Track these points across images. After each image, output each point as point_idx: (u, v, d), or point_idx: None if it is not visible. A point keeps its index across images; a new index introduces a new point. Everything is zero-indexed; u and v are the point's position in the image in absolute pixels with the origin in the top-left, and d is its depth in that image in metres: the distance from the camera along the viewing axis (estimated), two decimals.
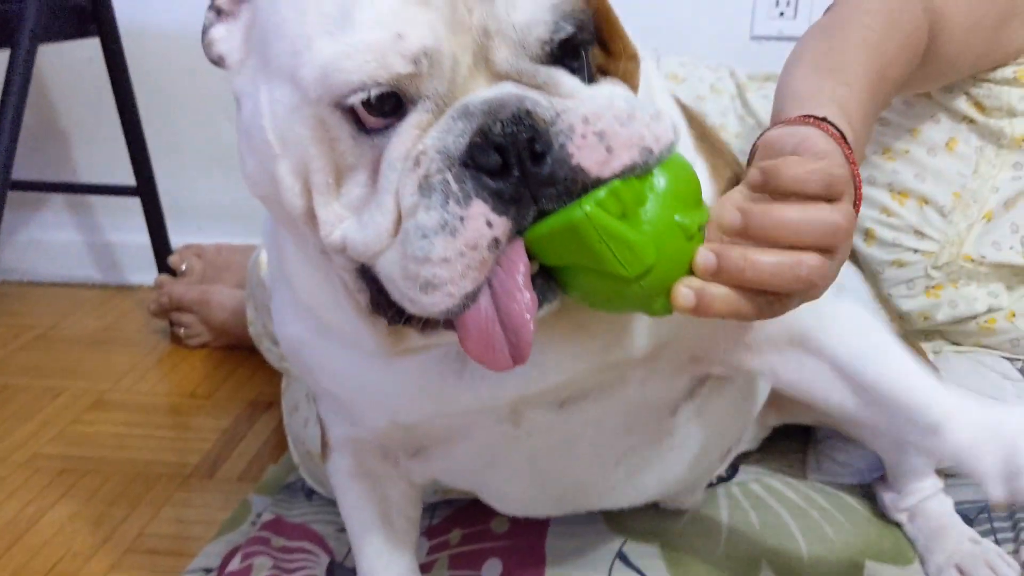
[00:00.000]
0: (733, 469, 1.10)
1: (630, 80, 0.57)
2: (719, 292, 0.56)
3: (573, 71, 0.54)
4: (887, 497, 1.03)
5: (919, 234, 1.14)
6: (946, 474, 1.04)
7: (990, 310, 1.15)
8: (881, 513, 1.04)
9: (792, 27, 1.71)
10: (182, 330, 1.66)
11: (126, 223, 1.93)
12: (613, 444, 0.79)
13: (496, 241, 0.51)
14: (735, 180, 0.71)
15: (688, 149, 0.69)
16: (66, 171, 1.99)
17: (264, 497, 1.14)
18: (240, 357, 1.59)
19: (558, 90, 0.53)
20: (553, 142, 0.51)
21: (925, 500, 1.00)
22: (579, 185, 0.51)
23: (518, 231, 0.52)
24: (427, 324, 0.56)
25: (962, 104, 1.12)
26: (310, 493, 1.13)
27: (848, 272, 0.99)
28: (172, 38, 1.83)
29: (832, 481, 1.10)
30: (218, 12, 0.60)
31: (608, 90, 0.54)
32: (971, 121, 1.12)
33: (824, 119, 0.69)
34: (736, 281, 0.56)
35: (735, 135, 1.28)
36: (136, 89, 1.74)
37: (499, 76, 0.53)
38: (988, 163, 1.12)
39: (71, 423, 1.39)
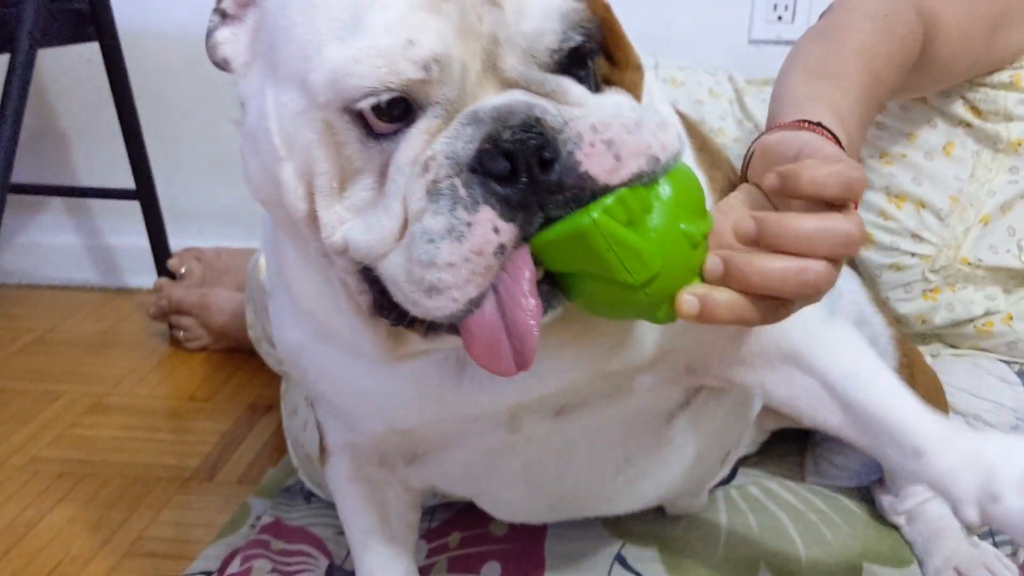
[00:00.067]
0: (732, 472, 1.10)
1: (634, 90, 0.57)
2: (723, 298, 0.56)
3: (580, 80, 0.54)
4: (885, 500, 1.03)
5: (916, 238, 1.14)
6: None
7: (987, 313, 1.15)
8: (879, 516, 1.04)
9: (790, 31, 1.71)
10: (181, 333, 1.66)
11: (125, 226, 1.93)
12: (609, 452, 0.79)
13: (502, 247, 0.51)
14: (731, 189, 0.71)
15: (689, 160, 0.69)
16: (65, 174, 1.99)
17: (263, 500, 1.14)
18: (239, 360, 1.59)
19: (566, 98, 0.53)
20: (561, 150, 0.51)
21: (923, 503, 1.00)
22: (587, 193, 0.52)
23: (524, 237, 0.52)
24: (430, 328, 0.56)
25: (959, 108, 1.12)
26: (309, 496, 1.13)
27: (845, 275, 0.99)
28: (171, 41, 1.84)
29: (830, 484, 1.10)
30: (223, 15, 0.61)
31: (615, 99, 0.55)
32: (967, 125, 1.13)
33: (819, 124, 0.70)
34: (743, 287, 0.56)
35: (733, 139, 1.29)
36: (135, 92, 1.74)
37: (507, 83, 0.53)
38: (985, 167, 1.12)
39: (70, 426, 1.39)
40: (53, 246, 2.02)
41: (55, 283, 2.02)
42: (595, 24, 0.54)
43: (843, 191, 0.57)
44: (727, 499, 1.08)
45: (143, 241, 1.83)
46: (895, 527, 1.02)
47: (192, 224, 1.92)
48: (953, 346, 1.20)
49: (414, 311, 0.54)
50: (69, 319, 1.84)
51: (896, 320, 1.17)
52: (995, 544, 0.98)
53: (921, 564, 0.97)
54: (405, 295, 0.53)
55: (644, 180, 0.53)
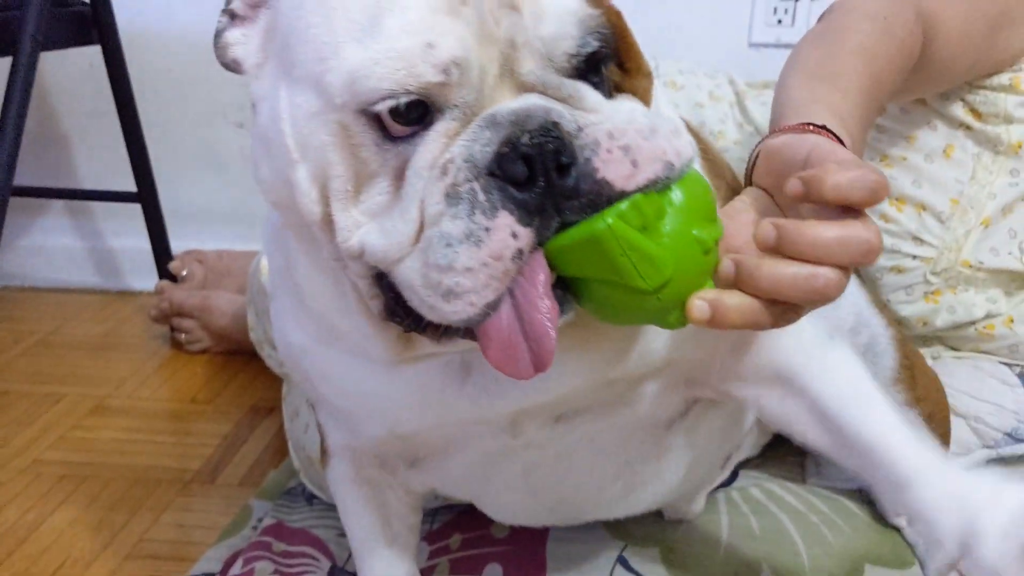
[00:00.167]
0: (733, 475, 1.11)
1: (644, 97, 0.57)
2: (733, 303, 0.56)
3: (594, 86, 0.55)
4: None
5: (917, 240, 1.14)
6: None
7: (988, 316, 1.15)
8: (881, 517, 1.04)
9: (790, 34, 1.71)
10: (183, 336, 1.66)
11: (127, 229, 1.93)
12: (608, 458, 0.80)
13: (520, 252, 0.51)
14: (732, 196, 0.71)
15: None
16: (67, 177, 1.99)
17: (265, 502, 1.14)
18: (241, 362, 1.59)
19: (582, 104, 0.53)
20: (578, 155, 0.52)
21: None
22: (603, 198, 0.52)
23: (540, 242, 0.52)
24: (444, 332, 0.56)
25: (959, 111, 1.13)
26: (311, 498, 1.13)
27: None
28: (172, 44, 1.84)
29: (832, 486, 1.10)
30: (232, 16, 0.60)
31: (628, 105, 0.55)
32: (968, 128, 1.13)
33: (823, 127, 0.70)
34: (753, 291, 0.56)
35: (734, 142, 1.29)
36: (137, 95, 1.74)
37: (524, 87, 0.53)
38: (985, 169, 1.13)
39: (71, 429, 1.39)
40: (55, 249, 2.03)
41: (57, 286, 2.02)
42: (610, 31, 0.55)
43: (868, 196, 0.57)
44: (728, 501, 1.08)
45: (144, 244, 1.83)
46: (897, 529, 1.02)
47: (193, 227, 1.93)
48: (954, 348, 1.20)
49: (430, 316, 0.53)
50: (71, 321, 1.84)
51: (897, 322, 1.17)
52: None
53: (923, 566, 0.97)
54: (421, 300, 0.53)
55: (659, 186, 0.53)
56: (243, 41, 0.60)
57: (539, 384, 0.64)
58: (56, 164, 1.98)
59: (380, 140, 0.53)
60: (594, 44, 0.54)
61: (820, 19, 0.96)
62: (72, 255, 2.03)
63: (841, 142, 0.67)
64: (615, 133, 0.52)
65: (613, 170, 0.52)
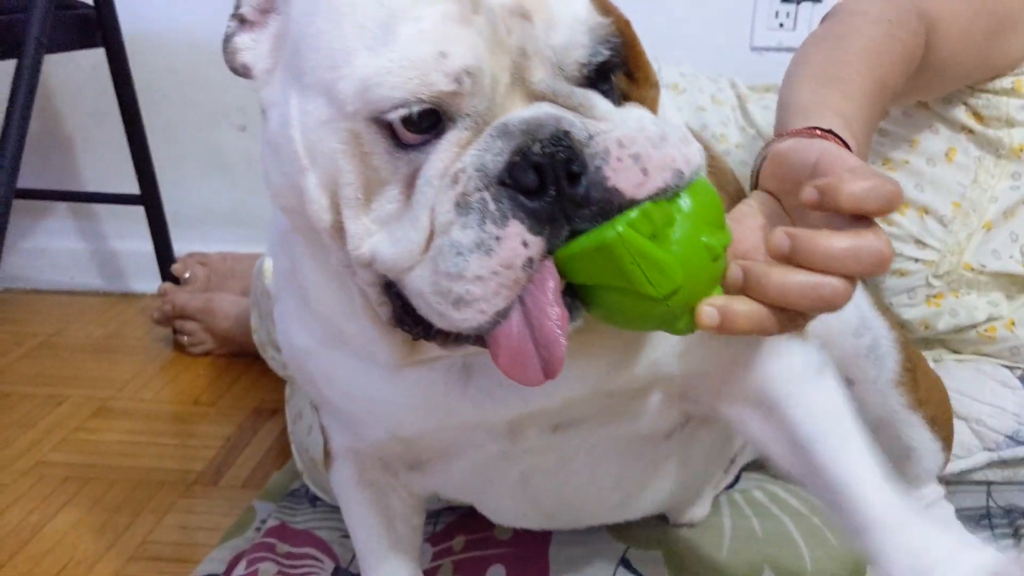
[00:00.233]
0: (736, 477, 1.11)
1: (651, 107, 0.58)
2: (742, 309, 0.56)
3: (603, 94, 0.55)
4: None
5: (920, 243, 1.14)
6: (947, 481, 1.04)
7: (990, 319, 1.15)
8: None
9: (791, 38, 1.72)
10: (185, 338, 1.66)
11: (130, 231, 1.93)
12: (606, 467, 0.80)
13: (531, 260, 0.51)
14: (734, 203, 0.71)
15: None
16: (70, 179, 1.99)
17: (268, 504, 1.15)
18: (244, 365, 1.60)
19: (592, 112, 0.53)
20: (589, 163, 0.52)
21: (927, 507, 1.01)
22: (613, 206, 0.52)
23: (550, 250, 0.52)
24: (454, 339, 0.56)
25: (961, 114, 1.13)
26: (314, 500, 1.14)
27: None
28: (176, 47, 1.85)
29: None
30: (241, 21, 0.60)
31: (637, 113, 0.55)
32: (970, 131, 1.13)
33: (830, 131, 0.70)
34: (761, 299, 0.57)
35: (736, 145, 1.29)
36: (140, 98, 1.74)
37: (535, 96, 0.53)
38: (987, 173, 1.13)
39: (74, 430, 1.40)
40: (58, 251, 2.03)
41: (60, 288, 2.02)
42: (620, 40, 0.55)
43: (883, 206, 0.57)
44: (731, 503, 1.08)
45: (147, 246, 1.83)
46: None
47: (196, 229, 1.93)
48: (956, 351, 1.20)
49: (440, 323, 0.53)
50: (74, 324, 1.84)
51: (899, 324, 1.18)
52: (998, 548, 0.99)
53: None
54: (431, 307, 0.53)
55: (668, 194, 0.53)
56: (252, 46, 0.60)
57: (539, 390, 0.64)
58: (59, 166, 1.99)
59: (391, 148, 0.53)
60: (605, 53, 0.54)
61: (823, 21, 0.96)
62: (75, 257, 2.03)
63: (847, 146, 0.68)
64: (625, 141, 0.52)
65: (623, 178, 0.52)
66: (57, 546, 1.11)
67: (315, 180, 0.55)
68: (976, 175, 1.13)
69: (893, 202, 0.57)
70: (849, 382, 0.88)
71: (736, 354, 0.69)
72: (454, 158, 0.52)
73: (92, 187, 1.99)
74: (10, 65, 1.43)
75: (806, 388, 0.70)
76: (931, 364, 1.11)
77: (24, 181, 1.45)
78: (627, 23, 0.57)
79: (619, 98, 0.56)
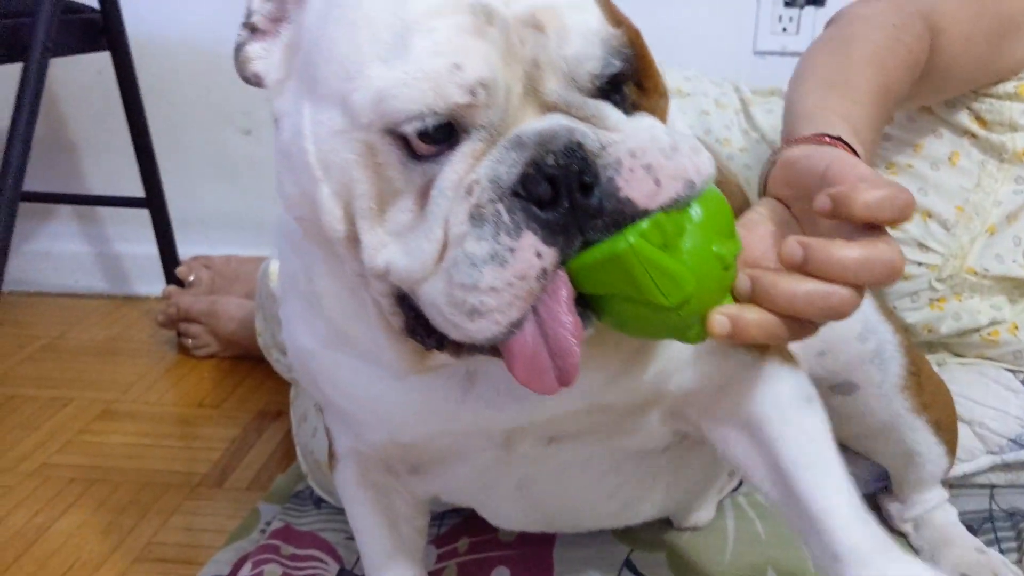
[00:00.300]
0: (740, 480, 1.11)
1: (660, 116, 0.58)
2: (753, 318, 0.57)
3: (615, 105, 0.55)
4: (892, 507, 1.04)
5: (923, 247, 1.15)
6: (951, 484, 1.04)
7: (993, 323, 1.16)
8: (886, 523, 1.04)
9: (795, 43, 1.73)
10: (190, 341, 1.67)
11: (134, 234, 1.94)
12: (602, 478, 0.80)
13: (544, 271, 0.51)
14: (739, 210, 0.71)
15: None
16: (75, 182, 2.00)
17: (273, 505, 1.15)
18: (248, 367, 1.60)
19: (604, 123, 0.53)
20: (601, 175, 0.52)
21: (930, 510, 1.01)
22: (626, 217, 0.52)
23: (562, 260, 0.52)
24: (467, 349, 0.56)
25: (964, 119, 1.13)
26: (319, 502, 1.14)
27: None
28: (181, 51, 1.85)
29: None
30: (252, 30, 0.60)
31: (648, 122, 0.55)
32: (973, 136, 1.13)
33: (838, 138, 0.70)
34: (769, 308, 0.57)
35: (739, 149, 1.30)
36: (145, 102, 1.75)
37: (547, 107, 0.53)
38: (990, 177, 1.13)
39: (79, 433, 1.40)
40: (62, 254, 2.04)
41: (64, 291, 2.03)
42: (632, 51, 0.55)
43: (896, 215, 0.57)
44: (735, 506, 1.09)
45: (152, 249, 1.84)
46: (902, 534, 1.03)
47: (201, 232, 1.93)
48: (959, 355, 1.20)
49: (454, 334, 0.53)
50: (78, 326, 1.84)
51: (904, 328, 1.18)
52: (1001, 551, 0.99)
53: None
54: (445, 318, 0.53)
55: (679, 204, 0.53)
56: (264, 56, 0.60)
57: (537, 401, 0.64)
58: (64, 169, 1.99)
59: (405, 159, 0.53)
60: (617, 65, 0.54)
61: (827, 26, 0.96)
62: (80, 260, 2.04)
63: (856, 153, 0.68)
64: (637, 152, 0.52)
65: (636, 189, 0.52)
66: (63, 548, 1.12)
67: (329, 191, 0.55)
68: (979, 179, 1.14)
69: (906, 211, 0.57)
70: (853, 386, 0.89)
71: (729, 376, 0.70)
72: (468, 169, 0.52)
73: (97, 190, 1.99)
74: (16, 69, 1.44)
75: (793, 416, 0.70)
76: (934, 368, 1.11)
77: (29, 184, 1.46)
78: (637, 33, 0.57)
79: (630, 107, 0.56)
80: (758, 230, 0.66)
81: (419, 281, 0.54)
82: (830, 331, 0.72)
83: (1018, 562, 0.96)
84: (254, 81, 0.60)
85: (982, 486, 1.13)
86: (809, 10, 1.71)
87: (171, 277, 1.79)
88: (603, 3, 0.55)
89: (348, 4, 0.54)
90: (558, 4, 0.53)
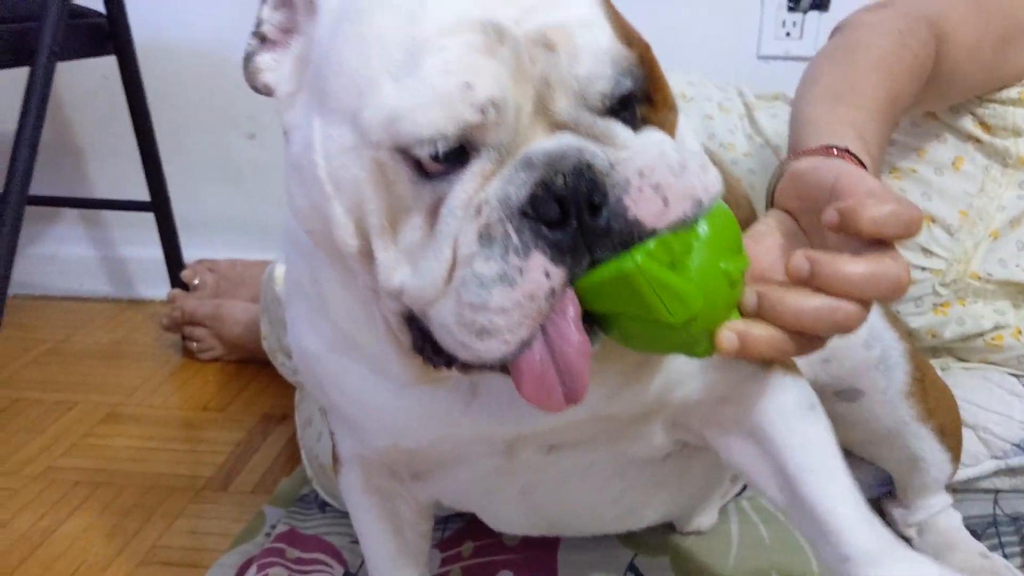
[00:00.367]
0: (743, 485, 1.11)
1: (669, 130, 0.57)
2: (761, 334, 0.57)
3: (624, 121, 0.54)
4: (896, 512, 1.04)
5: (927, 252, 1.15)
6: (955, 489, 1.04)
7: (997, 327, 1.16)
8: (890, 528, 1.04)
9: (798, 47, 1.73)
10: (195, 344, 1.67)
11: (139, 238, 1.94)
12: (604, 485, 0.80)
13: (553, 291, 0.51)
14: (746, 222, 0.71)
15: None
16: (80, 186, 2.01)
17: (278, 509, 1.15)
18: (253, 371, 1.60)
19: (613, 141, 0.53)
20: (610, 195, 0.52)
21: (934, 515, 1.01)
22: (634, 236, 0.52)
23: (570, 279, 0.52)
24: (475, 366, 0.56)
25: (968, 124, 1.13)
26: (324, 505, 1.14)
27: None
28: (187, 56, 1.86)
29: None
30: (262, 39, 0.60)
31: (657, 139, 0.55)
32: (977, 141, 1.14)
33: (846, 150, 0.71)
34: (776, 323, 0.57)
35: (744, 154, 1.30)
36: (150, 105, 1.76)
37: (557, 125, 0.53)
38: (994, 182, 1.13)
39: (84, 436, 1.40)
40: (67, 257, 2.04)
41: (69, 294, 2.03)
42: (643, 70, 0.55)
43: (903, 231, 0.58)
44: (739, 510, 1.09)
45: (157, 252, 1.84)
46: (906, 539, 1.03)
47: (206, 236, 1.94)
48: (963, 360, 1.21)
49: (463, 355, 0.53)
50: (83, 330, 1.85)
51: (908, 334, 1.18)
52: (1005, 556, 0.99)
53: None
54: (455, 339, 0.53)
55: (687, 222, 0.53)
56: (275, 67, 0.59)
57: (539, 411, 0.64)
58: (69, 173, 2.00)
59: (415, 177, 0.53)
60: (627, 84, 0.54)
61: (833, 34, 0.96)
62: (85, 264, 2.04)
63: (863, 165, 0.68)
64: (646, 171, 0.52)
65: (644, 209, 0.52)
66: (68, 551, 1.12)
67: (340, 207, 0.55)
68: (983, 184, 1.14)
69: (912, 228, 0.58)
70: (858, 392, 0.89)
71: (732, 386, 0.70)
72: (477, 189, 0.52)
73: (102, 194, 2.00)
74: (23, 73, 1.44)
75: (797, 424, 0.70)
76: (938, 372, 1.11)
77: (35, 188, 1.46)
78: (647, 47, 0.57)
79: (639, 122, 0.56)
80: (765, 242, 0.66)
81: (430, 302, 0.54)
82: (835, 337, 0.73)
83: (1022, 567, 0.96)
84: (264, 91, 0.60)
85: (986, 491, 1.13)
86: (813, 15, 1.71)
87: (176, 281, 1.80)
88: (614, 19, 0.55)
89: (359, 19, 0.54)
90: (569, 22, 0.52)
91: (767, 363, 0.70)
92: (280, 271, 1.21)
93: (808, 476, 0.68)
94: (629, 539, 1.03)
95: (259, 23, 0.60)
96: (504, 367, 0.54)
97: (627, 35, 0.55)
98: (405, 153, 0.52)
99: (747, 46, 1.75)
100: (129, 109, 1.74)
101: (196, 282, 1.72)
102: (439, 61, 0.50)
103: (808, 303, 0.57)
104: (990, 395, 1.13)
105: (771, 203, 0.72)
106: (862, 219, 0.57)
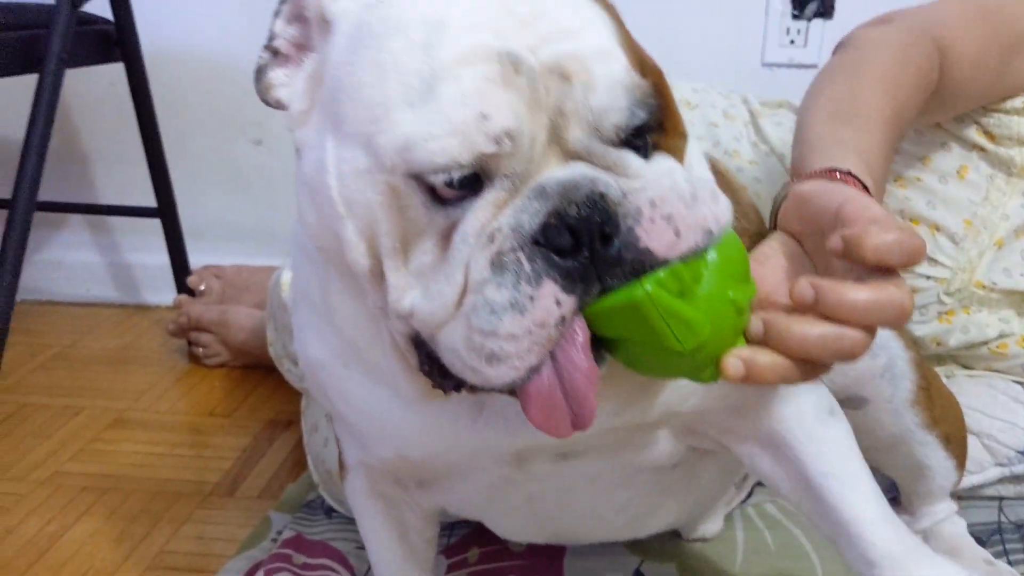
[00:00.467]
0: (748, 492, 1.11)
1: (679, 156, 0.58)
2: (766, 361, 0.57)
3: (636, 150, 0.55)
4: (901, 519, 1.03)
5: (931, 261, 1.15)
6: (959, 496, 1.05)
7: (1001, 335, 1.16)
8: None
9: (802, 55, 1.73)
10: (201, 350, 1.67)
11: (146, 244, 1.95)
12: (610, 494, 0.81)
13: (563, 319, 0.52)
14: (758, 239, 0.72)
15: None
16: (87, 192, 2.02)
17: (284, 515, 1.15)
18: (259, 376, 1.61)
19: (626, 171, 0.53)
20: (621, 224, 0.52)
21: (939, 522, 1.01)
22: (645, 266, 0.52)
23: (580, 307, 0.53)
24: (483, 389, 0.56)
25: (972, 133, 1.14)
26: (330, 511, 1.14)
27: None
28: (194, 63, 1.87)
29: None
30: (275, 53, 0.60)
31: (668, 167, 0.55)
32: (981, 150, 1.14)
33: (849, 172, 0.71)
34: (782, 351, 0.58)
35: (748, 161, 1.30)
36: (158, 112, 1.76)
37: (570, 155, 0.53)
38: (998, 191, 1.14)
39: (91, 441, 1.41)
40: (74, 263, 2.05)
41: (75, 300, 2.04)
42: (656, 100, 0.55)
43: (906, 259, 0.58)
44: (744, 517, 1.09)
45: (163, 258, 1.85)
46: None
47: (212, 242, 1.94)
48: (967, 367, 1.21)
49: (472, 379, 0.54)
50: (89, 335, 1.86)
51: (914, 343, 1.18)
52: (1010, 563, 0.99)
53: None
54: (464, 363, 0.53)
55: (697, 252, 0.54)
56: (287, 83, 0.60)
57: None
58: (76, 179, 2.01)
59: (429, 203, 0.53)
60: (642, 116, 0.54)
61: (835, 51, 0.97)
62: (91, 269, 2.05)
63: (865, 187, 0.68)
64: (658, 201, 0.53)
65: (656, 239, 0.52)
66: (75, 556, 1.12)
67: (353, 228, 0.55)
68: (987, 193, 1.14)
69: (915, 257, 0.58)
70: (864, 401, 0.89)
71: (747, 395, 0.70)
72: (491, 216, 0.52)
73: (109, 200, 2.00)
74: (31, 79, 1.45)
75: (816, 430, 0.71)
76: (943, 380, 1.11)
77: (42, 194, 1.47)
78: (660, 74, 0.57)
79: (650, 149, 0.56)
80: (770, 264, 0.67)
81: (439, 325, 0.54)
82: (825, 400, 0.73)
83: None
84: (276, 106, 0.60)
85: (991, 498, 1.13)
86: (817, 22, 1.71)
87: (182, 286, 1.80)
88: (629, 48, 0.55)
89: (376, 45, 0.54)
90: (585, 52, 0.53)
91: None
92: (286, 277, 1.21)
93: (831, 482, 0.69)
94: (635, 546, 1.04)
95: (272, 36, 0.60)
96: (512, 390, 0.54)
97: (641, 63, 0.56)
98: (419, 179, 0.52)
99: (751, 54, 1.76)
100: (136, 116, 1.74)
101: (202, 288, 1.73)
102: (455, 91, 0.50)
103: (813, 331, 0.57)
104: (995, 403, 1.13)
105: (774, 224, 0.73)
106: (866, 247, 0.58)
